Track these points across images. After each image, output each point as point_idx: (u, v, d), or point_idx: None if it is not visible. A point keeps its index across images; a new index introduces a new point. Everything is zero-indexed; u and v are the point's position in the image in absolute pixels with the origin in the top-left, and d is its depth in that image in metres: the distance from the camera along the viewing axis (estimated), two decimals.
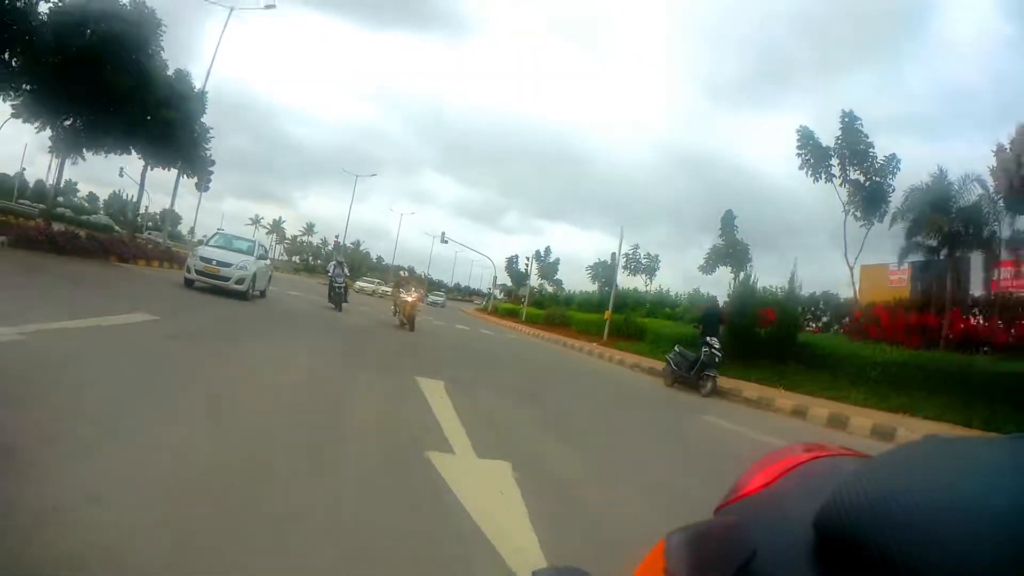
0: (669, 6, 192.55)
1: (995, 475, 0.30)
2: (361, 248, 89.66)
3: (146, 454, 2.56)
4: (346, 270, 16.39)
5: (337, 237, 43.14)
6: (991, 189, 13.52)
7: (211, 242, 13.81)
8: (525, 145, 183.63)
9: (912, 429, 6.91)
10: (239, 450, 2.87)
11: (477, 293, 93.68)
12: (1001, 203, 13.28)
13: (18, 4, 12.29)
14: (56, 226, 16.85)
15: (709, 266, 27.85)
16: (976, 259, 14.95)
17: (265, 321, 10.15)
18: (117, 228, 30.52)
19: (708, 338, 10.05)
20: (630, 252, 43.90)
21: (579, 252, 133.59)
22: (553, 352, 17.02)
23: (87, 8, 13.25)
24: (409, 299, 12.64)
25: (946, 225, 12.80)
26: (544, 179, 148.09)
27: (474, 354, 11.81)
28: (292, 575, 1.88)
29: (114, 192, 52.82)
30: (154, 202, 59.24)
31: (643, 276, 43.72)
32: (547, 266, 59.87)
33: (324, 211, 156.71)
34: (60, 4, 13.11)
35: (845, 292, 18.94)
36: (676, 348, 11.00)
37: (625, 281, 37.85)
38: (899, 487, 0.32)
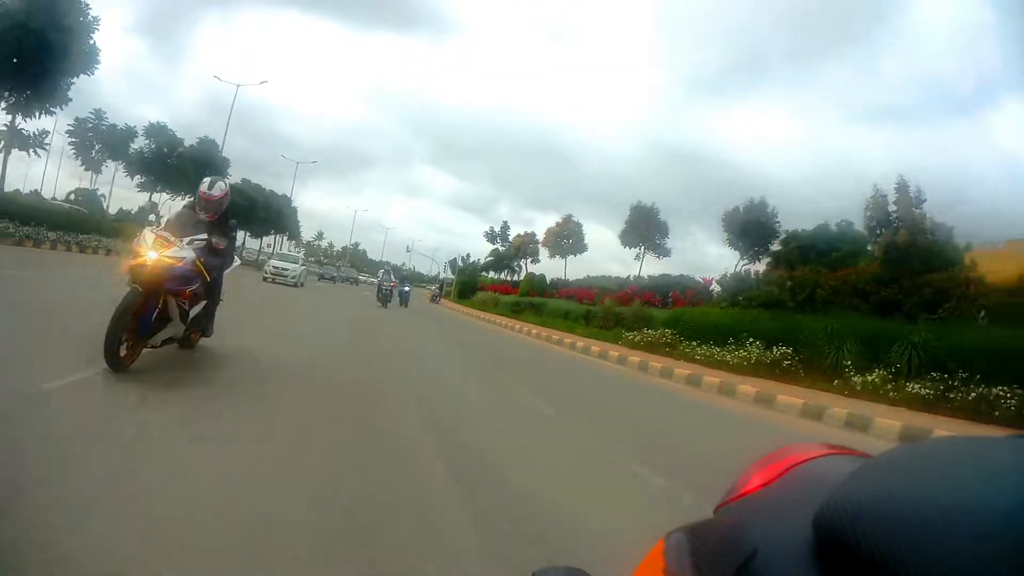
0: (649, 3, 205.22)
1: (995, 475, 0.31)
2: (360, 248, 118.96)
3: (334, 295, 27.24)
4: (392, 277, 21.87)
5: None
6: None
7: (275, 258, 28.71)
8: (514, 139, 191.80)
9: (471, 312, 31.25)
10: (338, 296, 26.41)
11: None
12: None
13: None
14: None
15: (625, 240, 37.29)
16: None
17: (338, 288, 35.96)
18: None
19: (440, 289, 41.92)
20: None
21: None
22: (424, 301, 41.13)
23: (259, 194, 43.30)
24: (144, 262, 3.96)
25: None
26: (533, 172, 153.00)
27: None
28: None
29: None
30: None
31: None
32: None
33: (321, 207, 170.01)
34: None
35: None
36: (432, 291, 41.50)
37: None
38: (899, 487, 0.32)
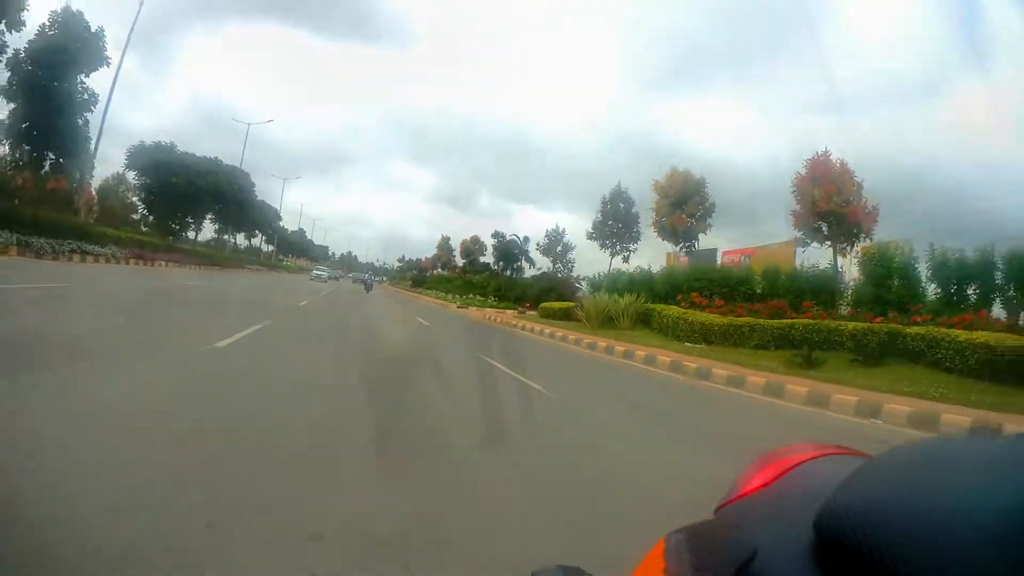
0: (598, 10, 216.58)
1: (994, 476, 0.30)
2: (352, 254, 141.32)
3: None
4: (371, 276, 43.58)
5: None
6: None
7: (316, 268, 55.58)
8: (491, 136, 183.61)
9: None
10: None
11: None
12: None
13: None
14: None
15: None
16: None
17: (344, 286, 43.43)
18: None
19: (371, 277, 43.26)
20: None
21: (541, 232, 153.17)
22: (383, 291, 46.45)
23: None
24: None
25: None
26: (509, 167, 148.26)
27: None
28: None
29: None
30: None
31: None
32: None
33: (312, 206, 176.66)
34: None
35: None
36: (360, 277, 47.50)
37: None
38: (899, 487, 0.32)
